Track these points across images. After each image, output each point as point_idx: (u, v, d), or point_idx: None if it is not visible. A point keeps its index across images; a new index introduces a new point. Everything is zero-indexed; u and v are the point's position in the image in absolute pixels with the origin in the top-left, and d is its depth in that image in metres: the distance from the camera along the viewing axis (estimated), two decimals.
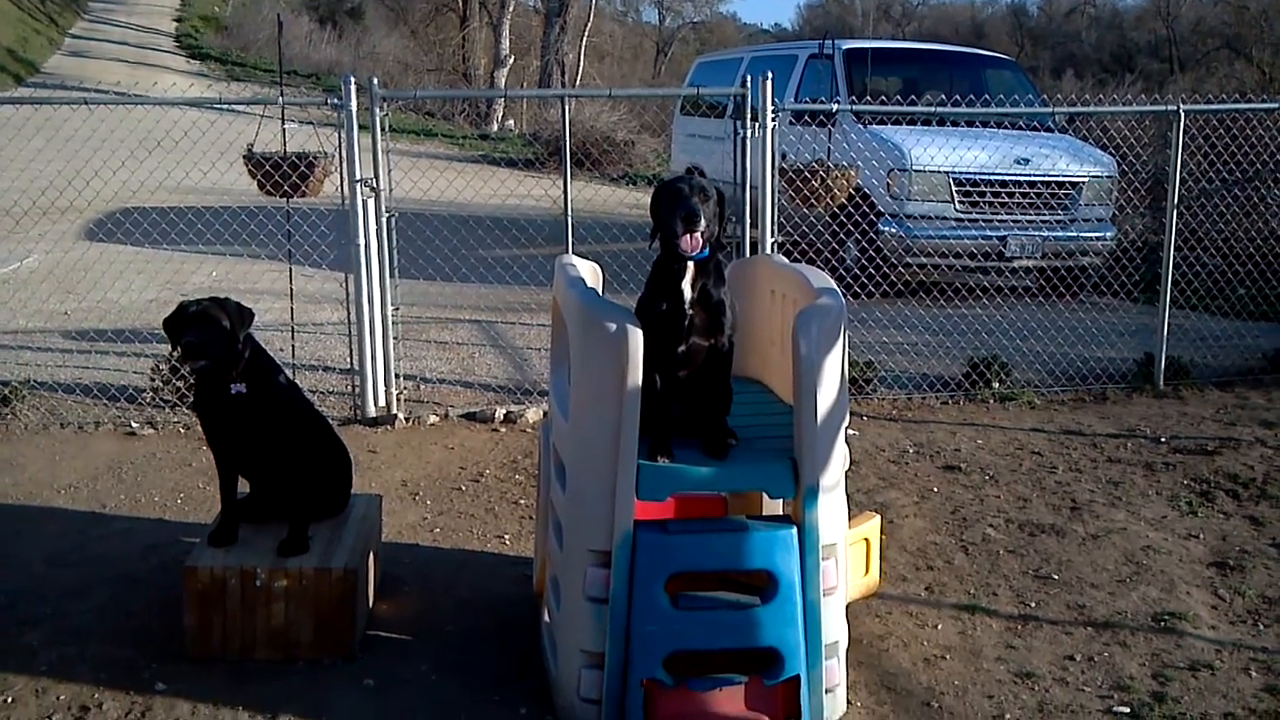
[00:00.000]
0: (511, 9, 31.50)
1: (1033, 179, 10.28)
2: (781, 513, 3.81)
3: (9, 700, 3.57)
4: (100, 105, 6.91)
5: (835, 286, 3.64)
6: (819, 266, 4.04)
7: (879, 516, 4.42)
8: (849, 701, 3.66)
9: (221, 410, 3.94)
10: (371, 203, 6.45)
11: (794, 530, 3.35)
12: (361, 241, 6.41)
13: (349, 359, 6.74)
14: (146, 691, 3.62)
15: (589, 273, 4.10)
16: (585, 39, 34.62)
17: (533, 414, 6.71)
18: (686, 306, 3.42)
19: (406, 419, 6.57)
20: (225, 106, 7.03)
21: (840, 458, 3.48)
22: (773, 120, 6.79)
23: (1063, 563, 4.86)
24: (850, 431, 6.40)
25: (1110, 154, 10.91)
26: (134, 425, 6.39)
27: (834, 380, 3.38)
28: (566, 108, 6.97)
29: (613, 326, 3.25)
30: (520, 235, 9.71)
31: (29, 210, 8.18)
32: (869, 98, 10.64)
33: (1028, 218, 10.28)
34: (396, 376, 6.74)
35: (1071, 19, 47.54)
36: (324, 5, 40.87)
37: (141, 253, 9.46)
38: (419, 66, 34.33)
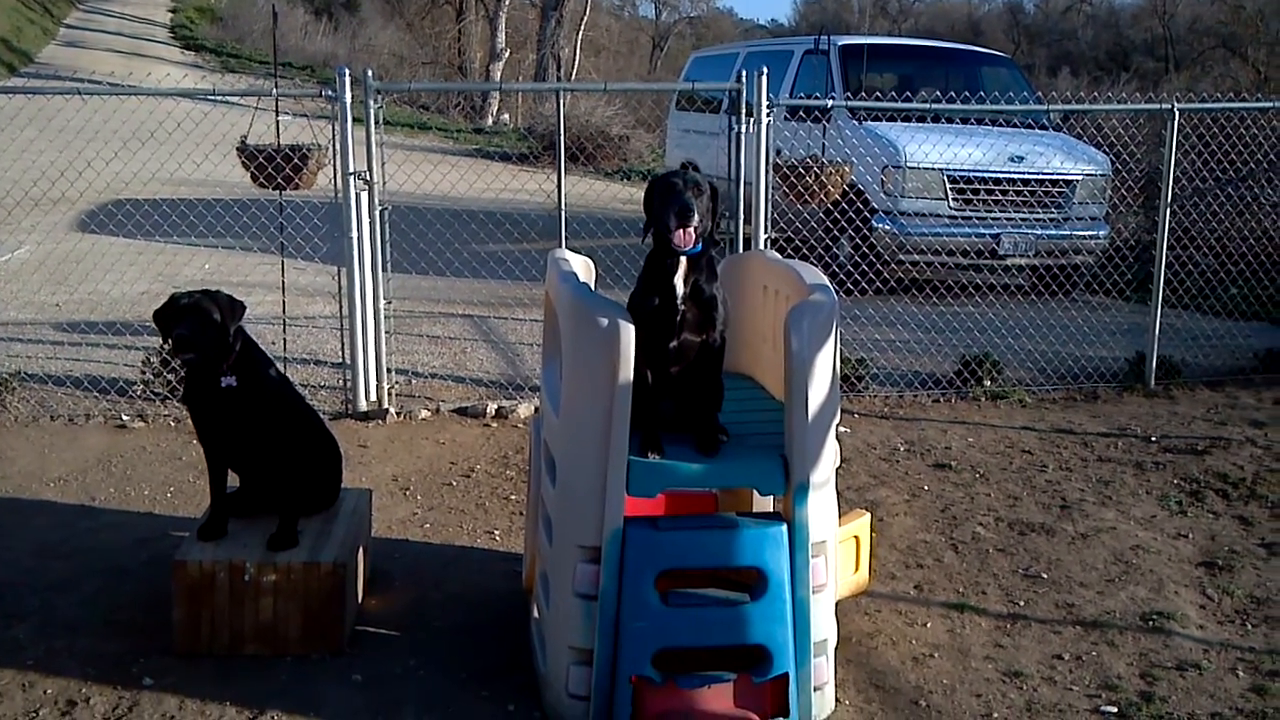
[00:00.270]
0: (508, 2, 31.45)
1: (1027, 177, 10.28)
2: (772, 510, 3.82)
3: None
4: (93, 95, 6.88)
5: (828, 283, 3.63)
6: (813, 263, 4.03)
7: (869, 514, 4.42)
8: (837, 699, 3.67)
9: (212, 403, 3.93)
10: (365, 196, 6.44)
11: (784, 527, 3.35)
12: (354, 235, 6.39)
13: (341, 353, 6.72)
14: (134, 686, 3.61)
15: (582, 268, 4.09)
16: (581, 33, 34.56)
17: (525, 409, 6.70)
18: (679, 302, 3.41)
19: (398, 413, 6.56)
20: (219, 98, 6.99)
21: (831, 455, 3.48)
22: (768, 116, 6.78)
23: (1052, 562, 4.87)
24: (841, 429, 6.40)
25: (1104, 152, 10.92)
26: (124, 418, 6.37)
27: (825, 377, 3.38)
28: (561, 102, 6.95)
29: (604, 321, 3.25)
30: (514, 230, 9.71)
31: (20, 201, 8.17)
32: (864, 94, 10.64)
33: (1021, 215, 10.28)
34: (388, 371, 6.73)
35: (1068, 16, 47.55)
36: None
37: (133, 244, 9.44)
38: (414, 59, 34.30)
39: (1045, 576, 4.72)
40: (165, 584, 3.86)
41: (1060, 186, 10.48)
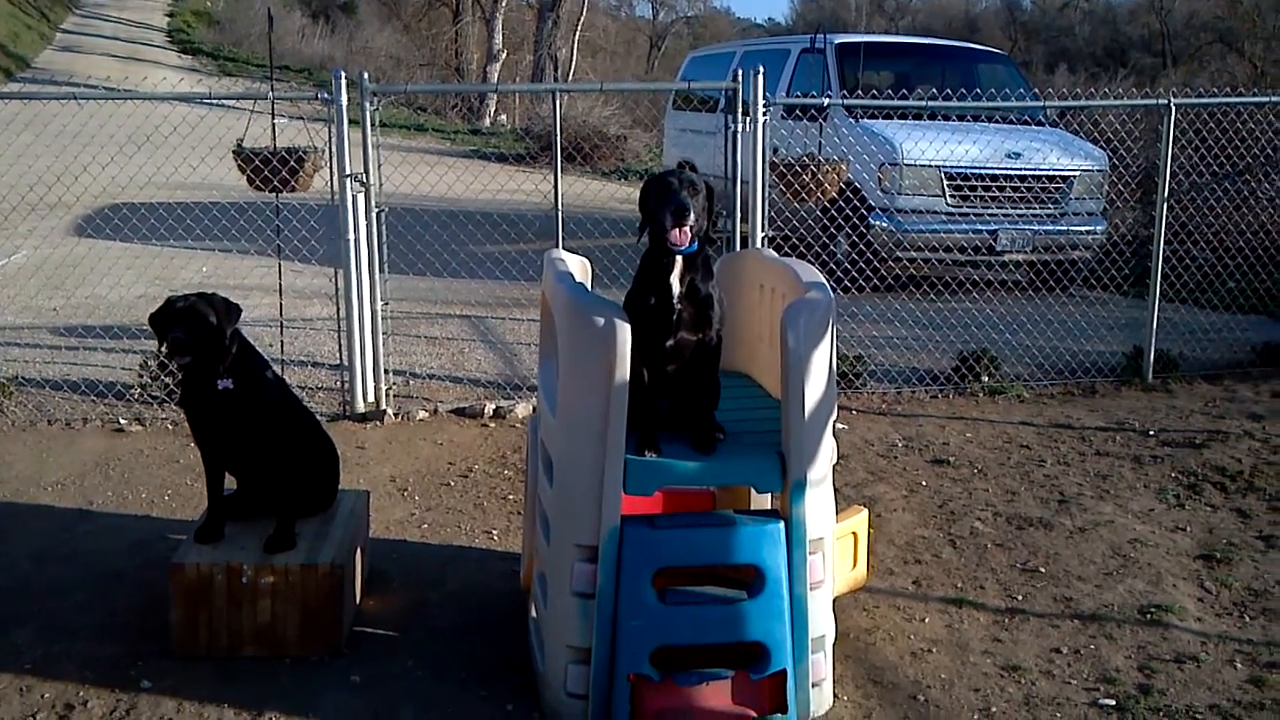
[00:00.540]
0: (504, 4, 31.44)
1: (1024, 173, 10.29)
2: (769, 507, 3.82)
3: None
4: (90, 100, 6.89)
5: (824, 280, 3.63)
6: (810, 261, 4.03)
7: (867, 510, 4.41)
8: (836, 695, 3.67)
9: (208, 406, 3.93)
10: (361, 198, 6.44)
11: (781, 525, 3.35)
12: (351, 236, 6.39)
13: (338, 354, 6.72)
14: (132, 689, 3.61)
15: (578, 267, 4.09)
16: (578, 34, 34.57)
17: (522, 409, 6.70)
18: (675, 301, 3.40)
19: (396, 414, 6.57)
20: (215, 101, 6.99)
21: (828, 452, 3.48)
22: (764, 115, 6.78)
23: (1050, 556, 4.87)
24: (839, 425, 6.41)
25: (1101, 148, 10.92)
26: (122, 422, 6.37)
27: (822, 374, 3.38)
28: (558, 102, 6.95)
29: (600, 321, 3.25)
30: (511, 230, 9.70)
31: (17, 206, 8.17)
32: (860, 92, 10.64)
33: (1018, 212, 10.28)
34: (386, 372, 6.73)
35: (1065, 13, 47.50)
36: (316, 0, 40.77)
37: (130, 248, 9.44)
38: (411, 61, 34.29)
39: (1043, 571, 4.72)
40: (163, 587, 3.86)
41: (1057, 182, 10.49)
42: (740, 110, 6.77)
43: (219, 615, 3.78)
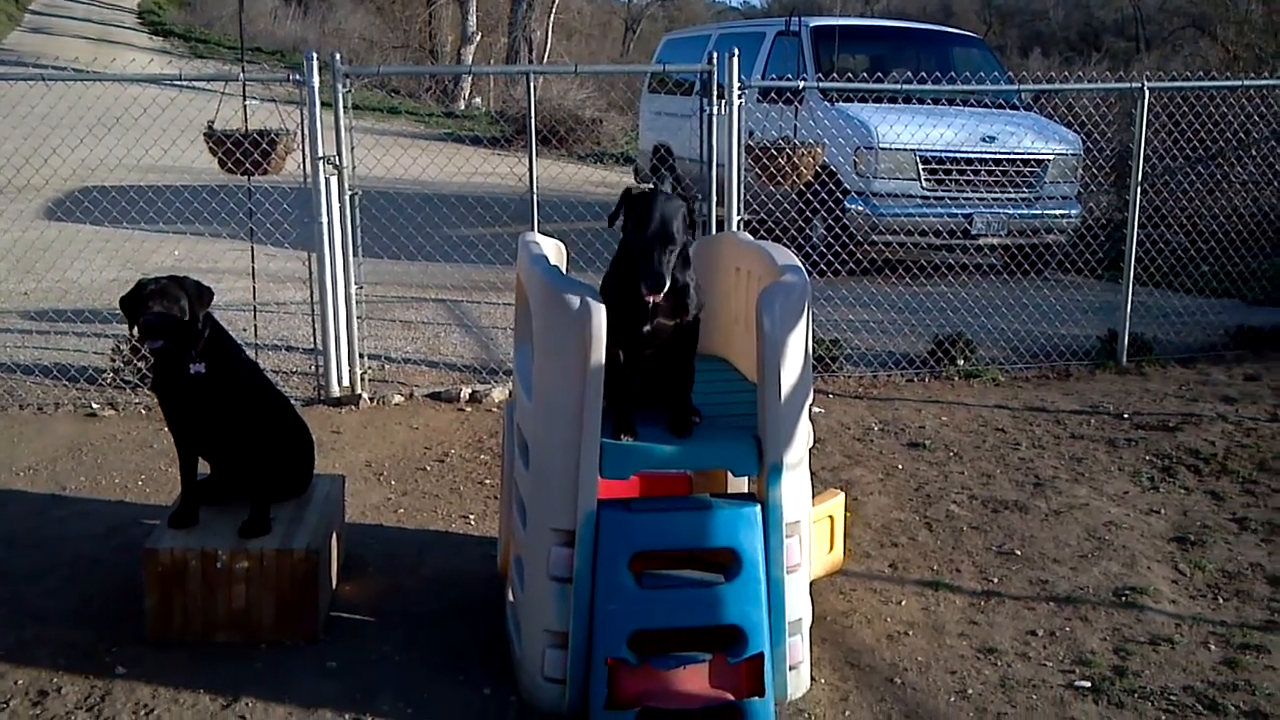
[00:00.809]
0: None
1: (999, 157, 10.31)
2: (746, 491, 3.82)
3: None
4: (59, 82, 6.81)
5: (799, 264, 3.62)
6: (785, 244, 4.02)
7: (843, 494, 4.43)
8: (812, 678, 3.68)
9: (180, 390, 3.89)
10: (334, 180, 6.39)
11: (758, 508, 3.35)
12: (324, 219, 6.34)
13: (313, 338, 6.69)
14: (106, 675, 3.59)
15: (553, 250, 4.07)
16: (553, 16, 34.38)
17: (498, 393, 6.68)
18: None
19: (371, 399, 6.53)
20: (186, 84, 6.92)
21: (804, 435, 3.48)
22: (739, 98, 6.76)
23: (1025, 539, 4.89)
24: (816, 409, 6.41)
25: (1076, 132, 10.95)
26: (94, 406, 6.32)
27: (798, 358, 3.37)
28: (532, 85, 6.91)
29: (575, 303, 3.23)
30: (486, 214, 9.66)
31: None
32: (836, 75, 10.63)
33: (993, 195, 10.31)
34: (361, 356, 6.70)
35: None
36: None
37: (101, 232, 9.35)
38: (385, 43, 34.02)
39: (1019, 553, 4.75)
40: (137, 572, 3.83)
41: (1032, 166, 10.51)
42: (715, 93, 6.76)
43: (193, 601, 3.76)
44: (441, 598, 4.21)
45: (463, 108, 27.84)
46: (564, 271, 3.76)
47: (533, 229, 6.33)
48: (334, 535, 4.19)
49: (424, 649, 3.82)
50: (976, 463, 5.84)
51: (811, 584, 3.70)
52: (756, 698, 3.36)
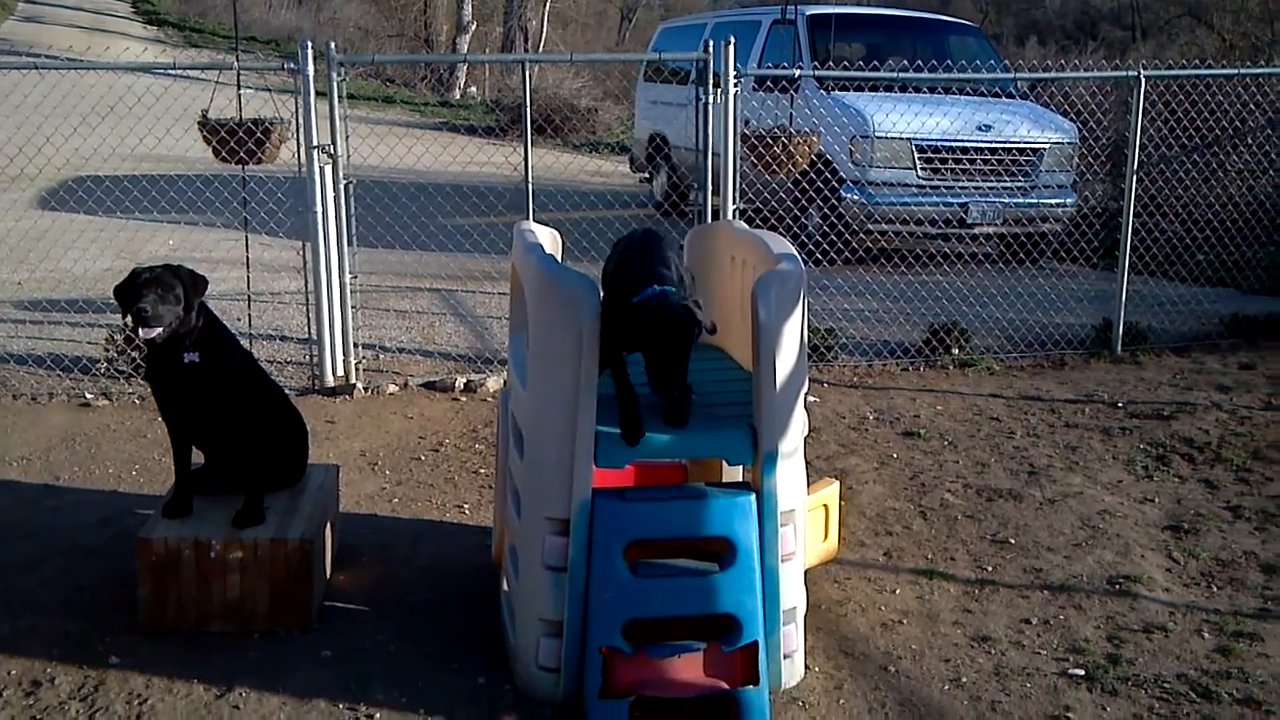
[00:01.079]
0: None
1: (994, 145, 10.30)
2: (741, 479, 3.82)
3: None
4: (52, 70, 6.78)
5: (795, 252, 3.62)
6: (781, 233, 4.01)
7: (838, 483, 4.43)
8: (807, 666, 3.68)
9: (174, 380, 3.88)
10: (329, 169, 6.37)
11: (752, 497, 3.35)
12: (319, 209, 6.32)
13: (307, 328, 6.67)
14: (100, 665, 3.58)
15: (548, 239, 4.06)
16: (549, 4, 34.29)
17: (493, 383, 6.68)
18: None
19: (365, 388, 6.52)
20: (180, 72, 6.90)
21: (799, 424, 3.48)
22: (735, 86, 6.75)
23: (1020, 527, 4.90)
24: (810, 398, 6.41)
25: (1071, 120, 10.95)
26: (88, 396, 6.31)
27: (793, 346, 3.37)
28: (528, 73, 6.88)
29: (570, 291, 3.23)
30: (481, 203, 9.63)
31: None
32: (832, 64, 10.62)
33: (989, 184, 10.30)
34: (355, 346, 6.69)
35: None
36: None
37: (95, 221, 9.31)
38: (380, 32, 33.92)
39: (1013, 542, 4.75)
40: (130, 562, 3.82)
41: (1028, 155, 10.51)
42: (711, 82, 6.74)
43: (187, 590, 3.75)
44: (436, 587, 4.21)
45: (458, 97, 27.79)
46: (559, 260, 3.75)
47: (528, 218, 6.32)
48: (328, 525, 4.19)
49: (418, 638, 3.82)
50: (971, 451, 5.84)
51: (806, 573, 3.70)
52: (751, 686, 3.36)
